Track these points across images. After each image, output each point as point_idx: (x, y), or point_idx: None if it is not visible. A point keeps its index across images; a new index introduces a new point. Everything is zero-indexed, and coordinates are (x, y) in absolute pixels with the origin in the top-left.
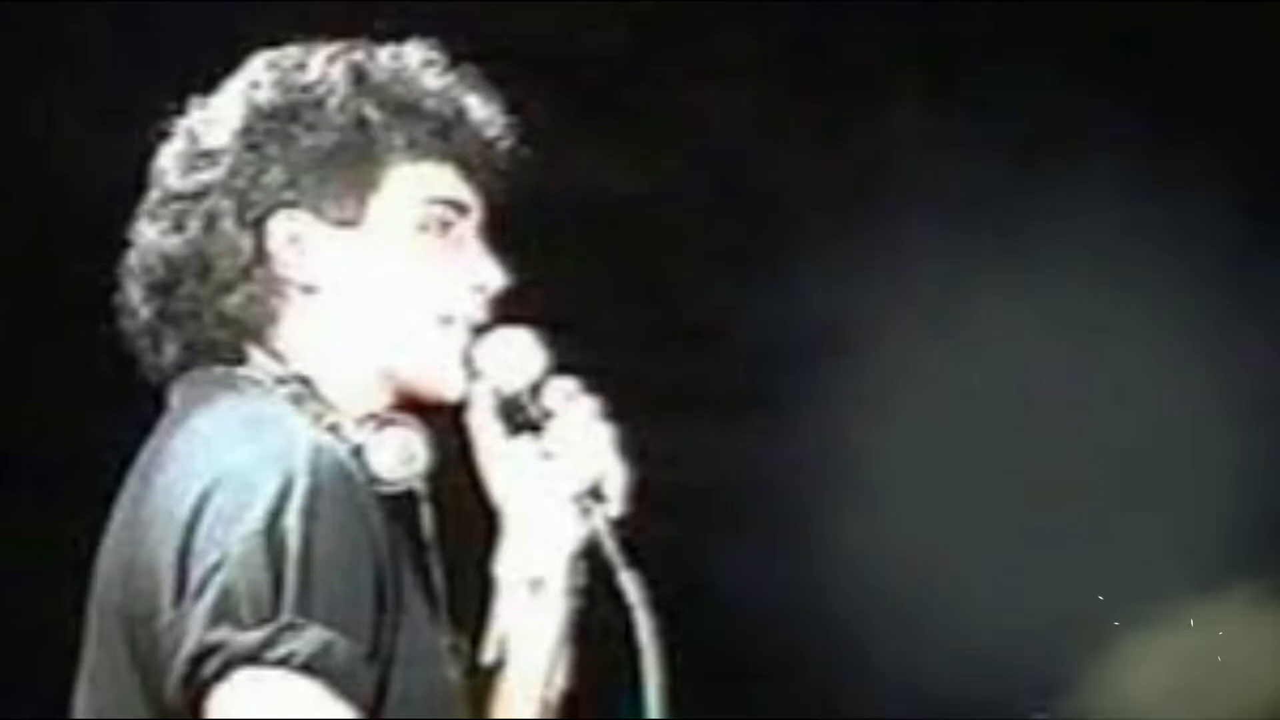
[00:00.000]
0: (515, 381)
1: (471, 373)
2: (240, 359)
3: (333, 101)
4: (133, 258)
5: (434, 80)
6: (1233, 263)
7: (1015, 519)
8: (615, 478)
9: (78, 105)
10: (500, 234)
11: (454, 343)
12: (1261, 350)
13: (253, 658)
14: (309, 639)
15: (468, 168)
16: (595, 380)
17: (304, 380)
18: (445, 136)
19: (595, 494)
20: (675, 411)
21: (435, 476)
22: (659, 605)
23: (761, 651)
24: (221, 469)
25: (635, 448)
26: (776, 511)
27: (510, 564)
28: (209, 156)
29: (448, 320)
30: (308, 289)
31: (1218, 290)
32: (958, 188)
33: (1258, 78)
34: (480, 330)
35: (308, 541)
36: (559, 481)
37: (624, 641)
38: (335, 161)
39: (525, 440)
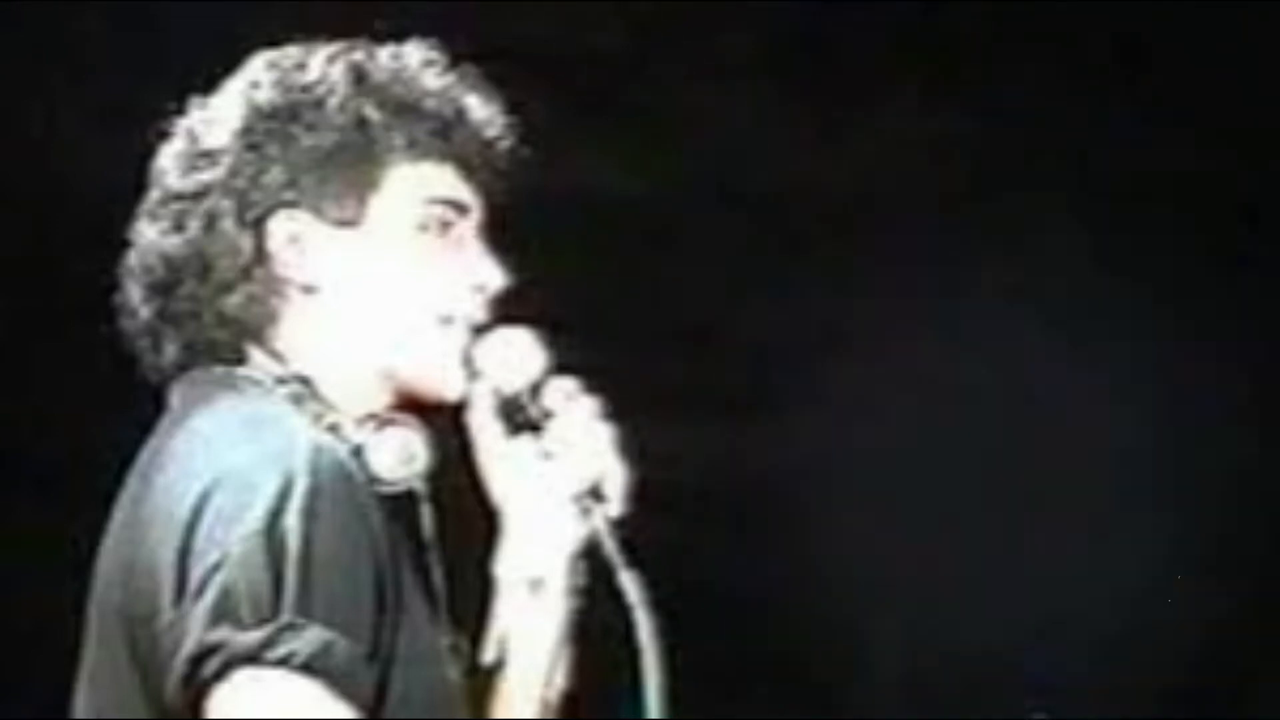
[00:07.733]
0: (515, 381)
1: (471, 373)
2: (240, 359)
3: (333, 101)
4: (133, 258)
5: (434, 80)
6: (1231, 263)
7: (1015, 519)
8: (615, 478)
9: (78, 105)
10: (500, 234)
11: (454, 343)
12: (1261, 350)
13: (253, 658)
14: (309, 639)
15: (468, 168)
16: (595, 380)
17: (304, 380)
18: (445, 136)
19: (595, 494)
20: (675, 411)
21: (435, 476)
22: (659, 605)
23: (761, 651)
24: (221, 469)
25: (635, 448)
26: (776, 511)
27: (510, 564)
28: (209, 156)
29: (448, 320)
30: (308, 289)
31: (1216, 290)
32: (958, 188)
33: (1257, 78)
34: (480, 330)
35: (308, 541)
36: (559, 481)
37: (624, 641)
38: (335, 161)
39: (525, 440)
